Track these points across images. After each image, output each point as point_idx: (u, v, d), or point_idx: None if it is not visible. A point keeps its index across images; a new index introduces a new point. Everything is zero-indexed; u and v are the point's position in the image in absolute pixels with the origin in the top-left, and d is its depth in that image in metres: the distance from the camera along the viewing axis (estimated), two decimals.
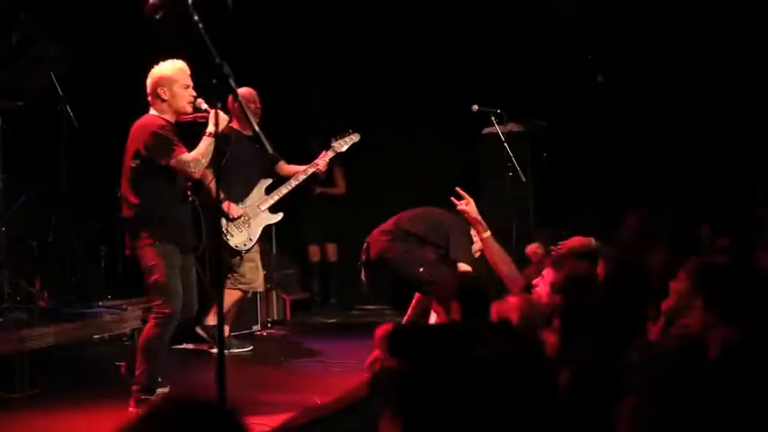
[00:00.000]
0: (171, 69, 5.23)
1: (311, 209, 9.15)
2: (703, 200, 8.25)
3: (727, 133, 8.41)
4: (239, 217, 6.68)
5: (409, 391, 1.84)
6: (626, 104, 8.87)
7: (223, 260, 6.24)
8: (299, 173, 6.86)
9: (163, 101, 5.21)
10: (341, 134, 7.01)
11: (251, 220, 6.75)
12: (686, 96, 8.58)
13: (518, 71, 8.77)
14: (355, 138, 7.00)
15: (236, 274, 6.73)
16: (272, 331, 8.00)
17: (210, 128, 5.08)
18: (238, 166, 6.35)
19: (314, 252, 9.25)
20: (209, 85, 3.36)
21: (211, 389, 3.30)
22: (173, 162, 5.06)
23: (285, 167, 6.97)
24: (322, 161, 6.90)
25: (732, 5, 8.35)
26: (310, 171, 6.86)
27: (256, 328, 7.87)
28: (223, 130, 5.03)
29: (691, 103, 8.54)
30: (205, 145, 5.10)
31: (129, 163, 5.16)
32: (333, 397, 5.11)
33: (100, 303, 6.99)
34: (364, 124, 7.37)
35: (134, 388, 5.04)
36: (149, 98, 5.26)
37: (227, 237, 6.56)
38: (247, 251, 6.71)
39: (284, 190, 6.86)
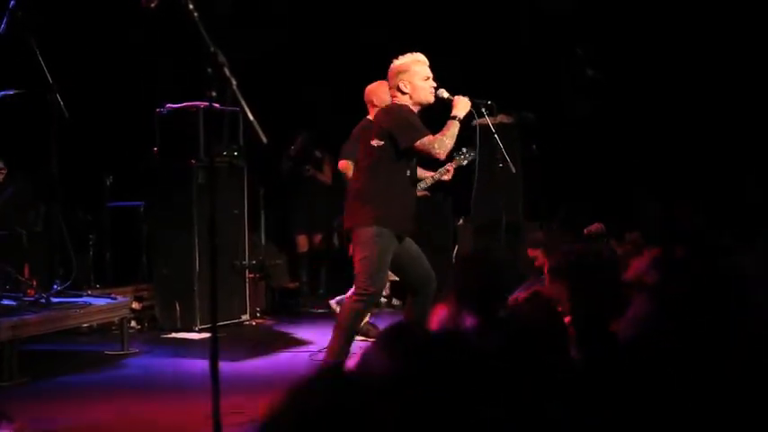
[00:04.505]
0: (411, 62, 5.33)
1: (299, 199, 9.18)
2: (692, 194, 8.32)
3: (718, 128, 8.48)
4: None
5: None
6: (616, 98, 8.92)
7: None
8: (426, 177, 6.64)
9: (404, 93, 5.31)
10: (465, 150, 6.79)
11: None
12: (676, 90, 8.64)
13: (508, 63, 8.80)
14: (471, 157, 6.71)
15: None
16: (260, 321, 8.01)
17: (456, 112, 5.25)
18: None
19: (302, 242, 9.25)
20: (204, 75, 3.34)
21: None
22: (417, 144, 5.17)
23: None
24: (449, 172, 6.60)
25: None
26: (437, 178, 6.62)
27: (245, 317, 7.88)
28: None
29: (681, 97, 8.60)
30: (450, 127, 5.23)
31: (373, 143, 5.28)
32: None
33: (89, 292, 6.98)
34: (354, 117, 7.37)
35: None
36: (391, 91, 5.39)
37: None
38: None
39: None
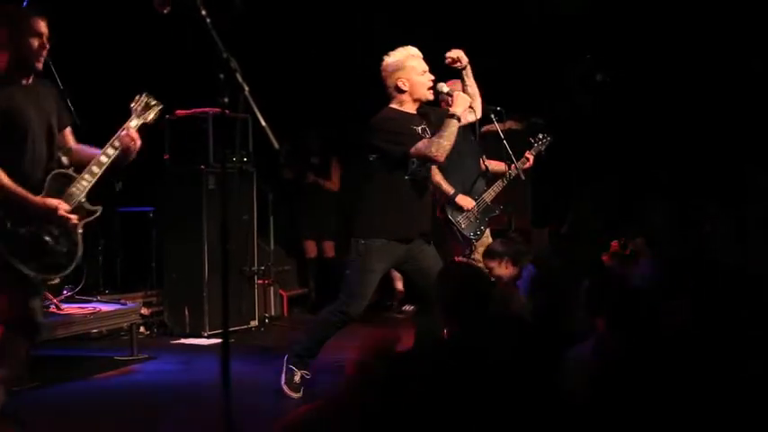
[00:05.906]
0: (405, 58, 5.14)
1: (304, 205, 9.13)
2: (700, 196, 8.30)
3: (724, 130, 8.46)
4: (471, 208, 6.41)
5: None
6: (624, 102, 8.90)
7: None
8: (505, 172, 6.57)
9: (403, 92, 5.15)
10: (542, 136, 6.83)
11: (479, 211, 6.45)
12: (683, 94, 8.61)
13: (518, 69, 8.79)
14: (549, 142, 6.81)
15: (470, 261, 6.50)
16: (269, 327, 8.01)
17: (454, 109, 5.05)
18: (456, 158, 6.27)
19: (310, 248, 9.19)
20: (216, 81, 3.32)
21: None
22: (412, 151, 4.99)
23: (489, 162, 6.72)
24: (529, 161, 6.66)
25: (730, 3, 8.40)
26: (520, 167, 6.46)
27: (254, 323, 7.88)
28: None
29: (688, 101, 8.58)
30: (448, 126, 5.01)
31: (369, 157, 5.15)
32: (325, 396, 5.08)
33: (98, 298, 6.98)
34: (362, 121, 7.38)
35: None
36: (387, 90, 5.19)
37: (460, 227, 6.38)
38: (478, 239, 6.46)
39: (501, 185, 6.58)
